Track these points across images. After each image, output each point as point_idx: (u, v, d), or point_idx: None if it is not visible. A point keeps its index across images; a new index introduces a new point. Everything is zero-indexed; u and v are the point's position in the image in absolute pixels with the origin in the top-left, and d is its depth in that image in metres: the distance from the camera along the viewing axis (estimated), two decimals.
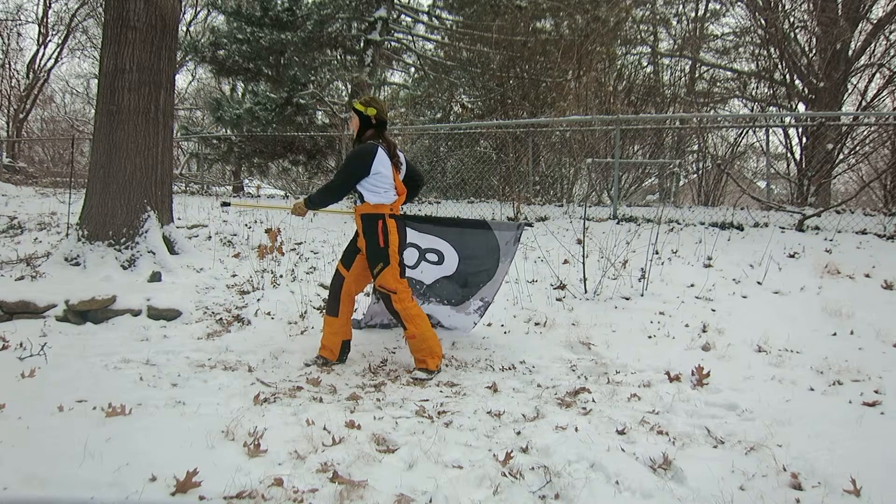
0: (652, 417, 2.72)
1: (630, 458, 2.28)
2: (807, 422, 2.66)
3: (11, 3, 20.98)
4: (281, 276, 5.16)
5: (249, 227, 6.65)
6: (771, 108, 10.72)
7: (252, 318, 4.37)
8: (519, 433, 2.50)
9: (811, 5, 9.85)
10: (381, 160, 3.38)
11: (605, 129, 8.27)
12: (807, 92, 9.98)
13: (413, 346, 3.43)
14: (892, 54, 9.96)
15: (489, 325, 4.32)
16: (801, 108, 10.45)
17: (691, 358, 3.55)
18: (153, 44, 5.02)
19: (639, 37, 12.95)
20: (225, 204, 4.13)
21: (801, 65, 9.90)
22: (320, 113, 11.47)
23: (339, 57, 12.39)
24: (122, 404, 2.53)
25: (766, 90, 11.02)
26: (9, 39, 20.22)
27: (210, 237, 6.22)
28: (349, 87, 11.90)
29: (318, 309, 4.63)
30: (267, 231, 5.87)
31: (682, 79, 12.74)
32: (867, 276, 4.69)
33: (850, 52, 9.85)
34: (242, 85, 13.59)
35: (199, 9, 20.72)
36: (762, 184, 10.23)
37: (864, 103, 10.33)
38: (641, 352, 3.72)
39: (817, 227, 5.75)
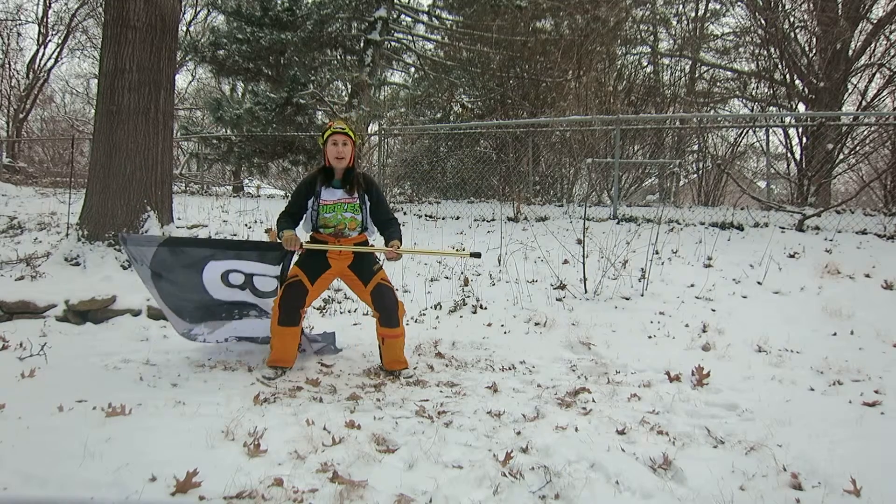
0: (652, 417, 2.72)
1: (630, 458, 2.27)
2: (807, 422, 2.66)
3: (11, 3, 21.01)
4: None
5: (249, 228, 6.66)
6: (771, 108, 10.72)
7: None
8: (519, 433, 2.50)
9: (811, 5, 9.86)
10: None
11: (605, 129, 8.27)
12: (807, 92, 9.98)
13: (398, 345, 3.38)
14: (892, 54, 9.97)
15: (489, 325, 4.32)
16: (801, 108, 10.45)
17: (691, 358, 3.55)
18: (153, 44, 5.02)
19: (639, 37, 12.96)
20: (475, 255, 3.45)
21: (801, 65, 9.90)
22: (320, 113, 11.47)
23: (339, 57, 12.40)
24: (122, 404, 2.53)
25: (766, 90, 11.03)
26: (9, 39, 20.24)
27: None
28: (349, 87, 11.91)
29: (318, 309, 4.64)
30: (267, 231, 5.87)
31: (682, 79, 12.75)
32: (867, 276, 4.69)
33: (850, 52, 9.85)
34: (242, 85, 13.62)
35: (199, 9, 20.72)
36: (762, 184, 10.23)
37: (864, 103, 10.33)
38: (641, 352, 3.73)
39: (817, 227, 5.75)
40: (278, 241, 3.30)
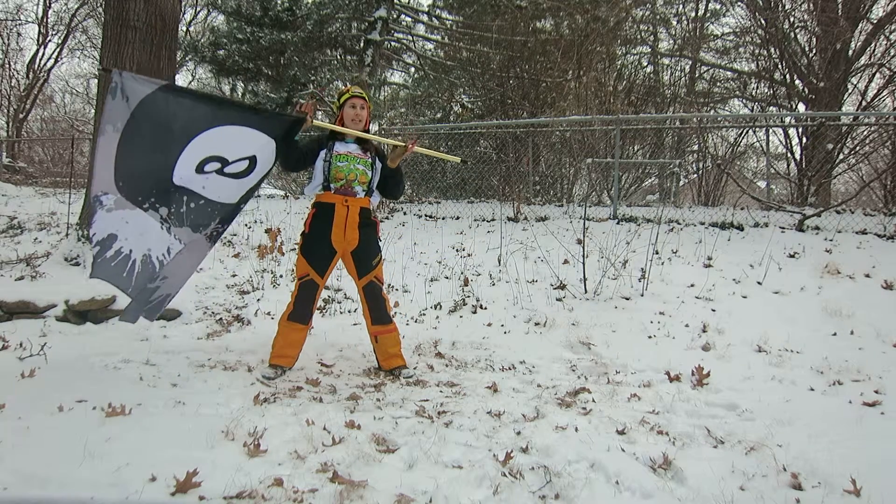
0: (652, 417, 2.72)
1: (630, 458, 2.28)
2: (807, 422, 2.66)
3: (11, 3, 21.00)
4: (281, 276, 5.16)
5: (249, 227, 6.65)
6: (771, 108, 10.72)
7: (252, 318, 4.38)
8: (519, 433, 2.50)
9: (811, 5, 9.85)
10: None
11: (605, 129, 8.26)
12: (807, 92, 9.98)
13: (393, 340, 3.38)
14: (892, 54, 9.96)
15: (489, 325, 4.32)
16: (801, 108, 10.45)
17: (691, 358, 3.55)
18: (153, 44, 5.02)
19: (639, 37, 12.96)
20: None
21: (801, 65, 9.89)
22: (320, 113, 11.47)
23: (339, 57, 12.40)
24: (122, 404, 2.53)
25: (766, 90, 11.02)
26: (9, 39, 20.25)
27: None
28: (348, 87, 11.89)
29: (318, 309, 4.63)
30: (267, 231, 5.87)
31: (682, 79, 12.75)
32: (867, 276, 4.69)
33: (850, 52, 9.84)
34: (242, 85, 13.60)
35: (199, 9, 20.74)
36: (762, 184, 10.23)
37: (864, 103, 10.33)
38: (641, 352, 3.73)
39: (817, 227, 5.74)
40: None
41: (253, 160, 3.17)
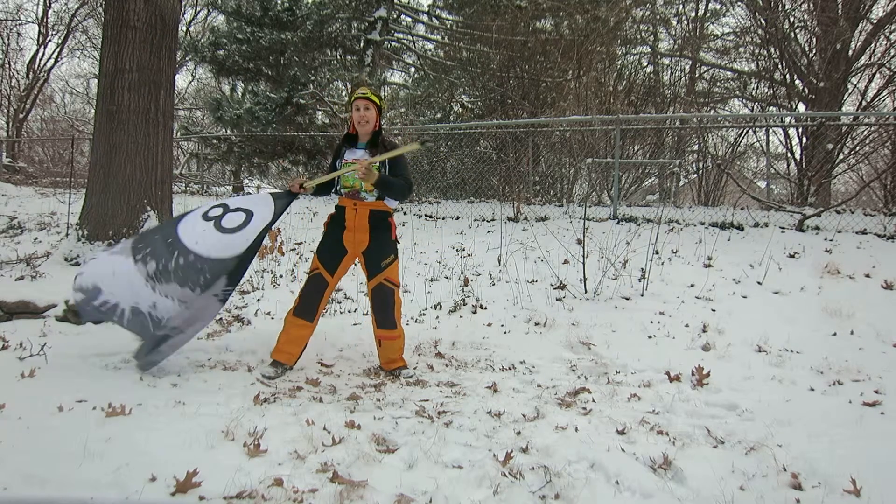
0: (652, 417, 2.72)
1: (630, 458, 2.28)
2: (807, 422, 2.66)
3: (11, 3, 21.00)
4: (281, 276, 5.16)
5: None
6: (771, 108, 10.72)
7: (252, 318, 4.38)
8: (519, 433, 2.50)
9: (811, 5, 9.86)
10: None
11: (605, 129, 8.26)
12: (807, 92, 9.98)
13: (394, 347, 3.41)
14: (892, 54, 9.97)
15: (489, 325, 4.32)
16: (801, 108, 10.45)
17: (691, 358, 3.55)
18: (153, 44, 5.02)
19: (639, 37, 12.97)
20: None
21: (801, 65, 9.90)
22: (320, 113, 11.47)
23: (339, 57, 12.40)
24: (122, 404, 2.53)
25: (766, 90, 11.02)
26: (9, 39, 20.26)
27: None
28: (349, 87, 11.91)
29: None
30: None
31: (682, 79, 12.75)
32: (867, 276, 4.69)
33: (850, 52, 9.85)
34: (242, 85, 13.62)
35: (199, 9, 20.76)
36: (762, 184, 10.24)
37: (864, 103, 10.33)
38: (641, 352, 3.72)
39: (817, 227, 5.74)
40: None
41: (249, 214, 3.29)
